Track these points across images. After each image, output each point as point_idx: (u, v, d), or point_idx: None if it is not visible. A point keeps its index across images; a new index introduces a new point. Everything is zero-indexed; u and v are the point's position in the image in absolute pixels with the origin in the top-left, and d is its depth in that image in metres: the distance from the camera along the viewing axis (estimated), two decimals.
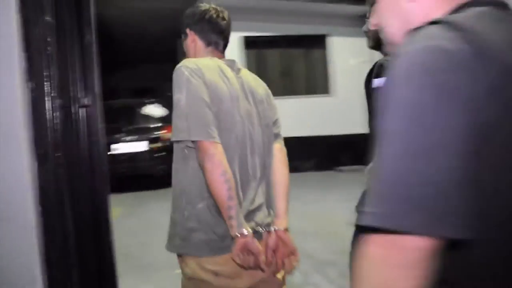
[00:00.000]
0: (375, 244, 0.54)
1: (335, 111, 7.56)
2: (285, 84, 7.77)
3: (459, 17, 0.58)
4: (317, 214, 4.82)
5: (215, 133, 1.27)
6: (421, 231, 0.50)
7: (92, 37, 1.55)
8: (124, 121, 6.67)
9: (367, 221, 0.52)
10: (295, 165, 7.37)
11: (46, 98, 1.33)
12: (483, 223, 0.52)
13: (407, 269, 0.52)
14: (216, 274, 1.33)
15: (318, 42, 7.81)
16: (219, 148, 1.28)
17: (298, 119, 7.46)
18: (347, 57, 7.62)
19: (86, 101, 1.52)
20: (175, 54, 8.81)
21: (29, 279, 1.28)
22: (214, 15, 1.42)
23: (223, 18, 1.43)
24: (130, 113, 6.77)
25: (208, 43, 1.43)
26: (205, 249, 1.34)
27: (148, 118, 6.77)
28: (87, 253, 1.51)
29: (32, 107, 1.31)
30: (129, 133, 6.49)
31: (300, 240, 3.35)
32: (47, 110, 1.33)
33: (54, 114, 1.36)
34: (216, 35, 1.42)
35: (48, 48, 1.34)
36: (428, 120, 0.51)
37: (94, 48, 1.56)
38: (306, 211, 4.93)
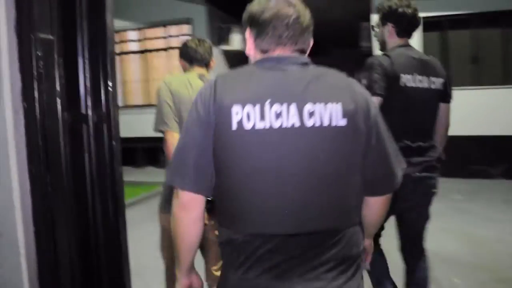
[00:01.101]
0: (174, 193, 1.10)
1: None
2: (474, 72, 6.44)
3: (232, 71, 1.16)
4: (485, 237, 3.82)
5: (172, 124, 1.95)
6: (182, 188, 1.06)
7: (106, 49, 1.47)
8: None
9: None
10: (477, 170, 6.11)
11: (38, 117, 1.31)
12: (212, 188, 1.08)
13: (183, 209, 1.08)
14: None
15: None
16: (174, 135, 1.92)
17: (487, 115, 6.11)
18: None
19: (93, 117, 1.45)
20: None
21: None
22: (193, 45, 2.16)
23: (201, 45, 2.16)
24: None
25: (191, 64, 2.17)
26: (168, 206, 1.77)
27: None
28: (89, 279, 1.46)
29: (25, 128, 1.31)
30: None
31: (439, 270, 2.70)
32: (38, 130, 1.31)
33: (47, 134, 1.33)
34: (195, 58, 2.14)
35: (40, 66, 1.30)
36: (187, 131, 1.08)
37: (108, 61, 1.47)
38: (472, 231, 3.98)
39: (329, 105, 1.02)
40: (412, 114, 2.02)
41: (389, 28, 2.13)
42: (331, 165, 1.04)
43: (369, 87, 1.92)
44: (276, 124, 1.00)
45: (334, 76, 1.11)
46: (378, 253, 2.22)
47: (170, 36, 8.23)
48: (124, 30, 8.49)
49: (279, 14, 1.10)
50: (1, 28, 1.26)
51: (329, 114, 1.02)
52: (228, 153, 1.02)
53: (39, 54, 1.30)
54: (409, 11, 2.08)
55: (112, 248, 1.51)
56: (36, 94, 1.30)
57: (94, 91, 1.47)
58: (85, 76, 1.45)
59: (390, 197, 1.21)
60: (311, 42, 1.18)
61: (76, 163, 1.44)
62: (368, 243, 1.37)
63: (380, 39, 2.22)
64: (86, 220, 1.46)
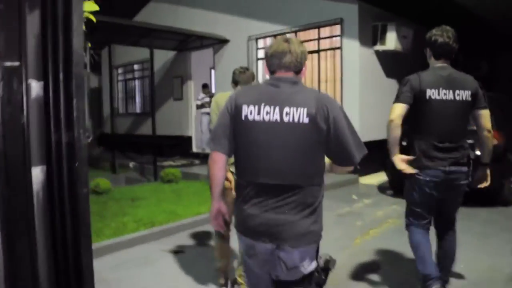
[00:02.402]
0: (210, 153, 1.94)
1: None
2: None
3: (248, 86, 2.72)
4: None
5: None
6: (214, 150, 1.87)
7: (71, 72, 1.49)
8: None
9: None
10: None
11: (2, 138, 1.42)
12: (232, 149, 1.87)
13: (213, 160, 1.87)
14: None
15: None
16: None
17: None
18: None
19: (57, 137, 1.49)
20: None
21: None
22: (237, 72, 3.21)
23: (243, 73, 3.19)
24: None
25: (236, 85, 3.19)
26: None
27: None
28: None
29: None
30: None
31: None
32: (2, 151, 1.42)
33: (9, 154, 1.42)
34: (239, 81, 3.17)
35: (5, 91, 1.40)
36: (219, 118, 1.89)
37: (74, 83, 1.49)
38: None
39: (299, 109, 1.72)
40: (437, 120, 2.67)
41: (429, 52, 2.79)
42: (297, 145, 1.75)
43: (397, 97, 2.73)
44: (266, 118, 1.75)
45: (308, 92, 1.82)
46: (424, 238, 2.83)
47: (321, 38, 8.07)
48: (280, 34, 8.72)
49: (277, 49, 1.82)
50: None
51: (298, 114, 1.72)
52: (238, 132, 1.81)
53: (4, 80, 1.39)
54: (441, 39, 2.69)
55: (75, 265, 1.53)
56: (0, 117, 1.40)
57: (63, 113, 1.50)
58: (53, 99, 1.49)
59: (351, 169, 1.92)
60: (305, 65, 1.89)
61: (44, 183, 1.50)
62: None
63: (429, 62, 2.84)
64: (50, 238, 1.51)
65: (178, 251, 3.99)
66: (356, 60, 7.46)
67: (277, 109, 1.72)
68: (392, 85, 8.33)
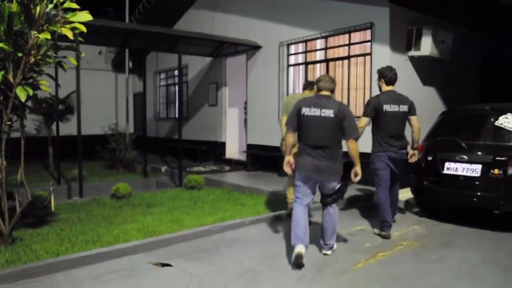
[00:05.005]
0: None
1: None
2: None
3: (306, 97, 4.53)
4: None
5: (285, 114, 5.30)
6: (288, 129, 4.11)
7: None
8: (468, 133, 5.24)
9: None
10: None
11: None
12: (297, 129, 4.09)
13: (287, 133, 4.11)
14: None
15: None
16: (284, 117, 5.24)
17: None
18: None
19: None
20: None
21: None
22: (306, 82, 5.71)
23: (309, 83, 5.51)
24: (481, 123, 5.20)
25: (304, 89, 5.59)
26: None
27: (503, 132, 4.96)
28: None
29: None
30: (470, 150, 5.04)
31: None
32: None
33: None
34: (305, 87, 5.57)
35: None
36: (291, 113, 4.12)
37: None
38: None
39: (329, 110, 3.87)
40: (391, 124, 4.75)
41: (382, 81, 4.90)
42: (327, 126, 3.88)
43: (364, 113, 4.86)
44: (313, 114, 3.91)
45: (335, 102, 3.98)
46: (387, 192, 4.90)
47: (351, 43, 7.67)
48: (310, 40, 8.44)
49: (321, 80, 4.07)
50: None
51: (328, 112, 3.86)
52: (300, 120, 3.97)
53: None
54: (390, 74, 4.83)
55: None
56: None
57: None
58: None
59: (352, 141, 3.90)
60: (335, 88, 4.16)
61: None
62: (356, 169, 3.94)
63: (379, 86, 4.96)
64: None
65: (165, 265, 3.88)
66: None
67: (318, 109, 3.85)
68: (430, 92, 7.76)
